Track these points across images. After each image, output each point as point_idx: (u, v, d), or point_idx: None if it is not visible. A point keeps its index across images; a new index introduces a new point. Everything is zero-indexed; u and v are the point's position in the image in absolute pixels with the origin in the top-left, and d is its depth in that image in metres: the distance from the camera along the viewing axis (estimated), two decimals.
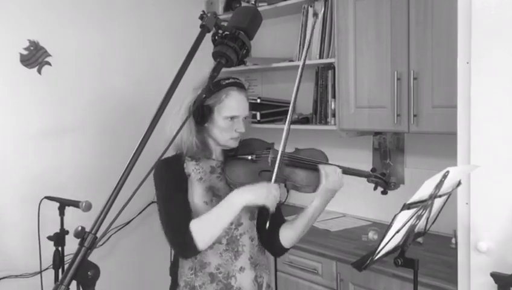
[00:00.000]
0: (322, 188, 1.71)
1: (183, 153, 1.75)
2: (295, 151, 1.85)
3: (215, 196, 1.72)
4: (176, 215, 1.64)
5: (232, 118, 1.71)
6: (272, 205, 1.61)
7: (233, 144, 1.77)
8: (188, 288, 1.73)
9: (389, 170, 2.88)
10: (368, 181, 1.84)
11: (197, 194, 1.71)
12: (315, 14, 2.81)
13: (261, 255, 1.85)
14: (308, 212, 1.76)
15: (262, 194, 1.60)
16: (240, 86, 1.75)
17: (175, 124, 1.70)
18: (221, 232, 1.63)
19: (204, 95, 1.68)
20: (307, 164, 1.77)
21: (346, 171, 1.77)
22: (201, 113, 1.69)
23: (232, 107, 1.71)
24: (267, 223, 1.68)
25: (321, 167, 1.73)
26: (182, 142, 1.72)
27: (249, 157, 1.78)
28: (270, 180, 1.66)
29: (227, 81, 1.72)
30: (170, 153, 1.75)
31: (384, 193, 1.85)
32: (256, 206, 1.68)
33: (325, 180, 1.70)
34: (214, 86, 1.70)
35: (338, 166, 1.75)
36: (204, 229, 1.60)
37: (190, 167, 1.74)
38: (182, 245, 1.61)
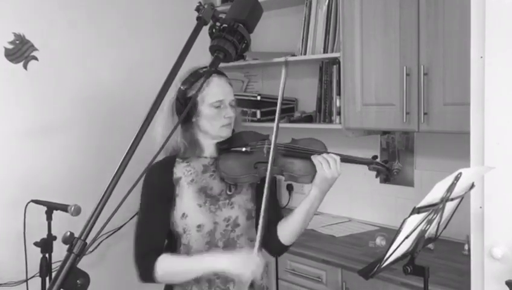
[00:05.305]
0: (317, 177, 1.73)
1: (173, 154, 1.78)
2: (292, 141, 1.88)
3: (208, 196, 1.75)
4: (145, 237, 1.75)
5: (218, 104, 1.74)
6: (247, 278, 1.62)
7: (226, 132, 1.79)
8: None
9: (396, 169, 2.88)
10: (369, 169, 1.88)
11: (188, 198, 1.73)
12: None
13: None
14: (305, 204, 1.77)
15: (239, 264, 1.62)
16: (218, 72, 1.78)
17: (161, 126, 1.74)
18: (183, 282, 1.73)
19: (185, 87, 1.73)
20: (303, 153, 1.80)
21: (345, 159, 1.80)
22: (184, 107, 1.71)
23: (215, 92, 1.75)
24: None
25: (314, 156, 1.75)
26: (168, 144, 1.75)
27: (243, 149, 1.80)
28: (265, 172, 1.68)
29: (204, 69, 1.75)
30: (161, 155, 1.77)
31: (386, 180, 1.93)
32: (230, 274, 1.69)
33: (319, 169, 1.72)
34: (192, 76, 1.74)
35: (335, 154, 1.77)
36: (169, 273, 1.70)
37: (180, 169, 1.76)
38: (141, 270, 1.73)
